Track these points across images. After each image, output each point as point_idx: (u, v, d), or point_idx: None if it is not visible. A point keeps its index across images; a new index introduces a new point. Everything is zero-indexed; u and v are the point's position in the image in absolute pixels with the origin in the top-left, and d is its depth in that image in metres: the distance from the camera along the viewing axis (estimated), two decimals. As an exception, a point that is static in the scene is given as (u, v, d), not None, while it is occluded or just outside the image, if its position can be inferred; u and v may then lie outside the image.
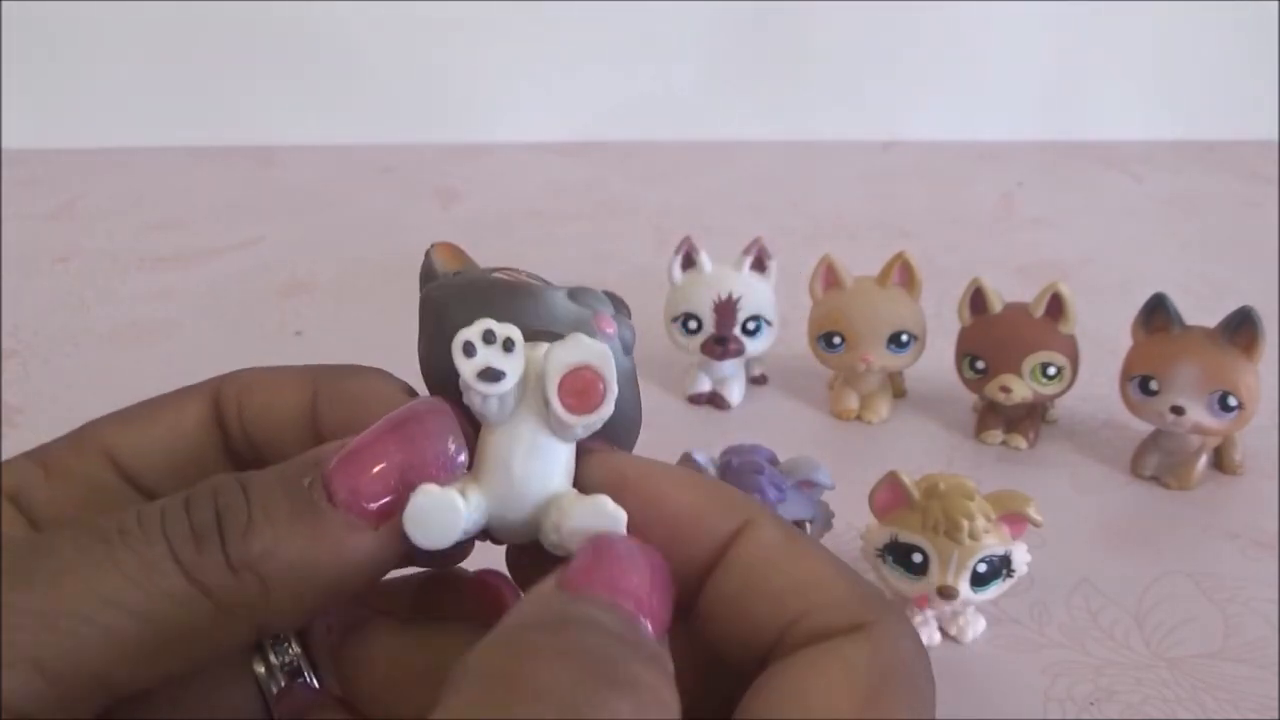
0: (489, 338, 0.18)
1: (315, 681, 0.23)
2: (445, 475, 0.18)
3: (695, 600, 0.18)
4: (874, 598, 0.17)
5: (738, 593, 0.18)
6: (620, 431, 0.20)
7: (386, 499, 0.18)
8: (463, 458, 0.19)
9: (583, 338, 0.18)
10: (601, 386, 0.18)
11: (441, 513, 0.18)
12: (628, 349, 0.20)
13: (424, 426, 0.18)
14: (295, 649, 0.23)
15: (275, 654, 0.23)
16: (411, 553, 0.18)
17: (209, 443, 0.21)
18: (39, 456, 0.20)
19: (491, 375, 0.18)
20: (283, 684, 0.22)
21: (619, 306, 0.21)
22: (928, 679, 0.17)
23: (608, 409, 0.18)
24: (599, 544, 0.17)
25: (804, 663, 0.16)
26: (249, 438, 0.21)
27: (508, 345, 0.18)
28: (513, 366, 0.18)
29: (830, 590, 0.17)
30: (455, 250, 0.22)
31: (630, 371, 0.20)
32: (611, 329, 0.20)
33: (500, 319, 0.18)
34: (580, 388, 0.18)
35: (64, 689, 0.16)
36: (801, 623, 0.17)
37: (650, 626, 0.16)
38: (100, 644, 0.16)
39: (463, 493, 0.18)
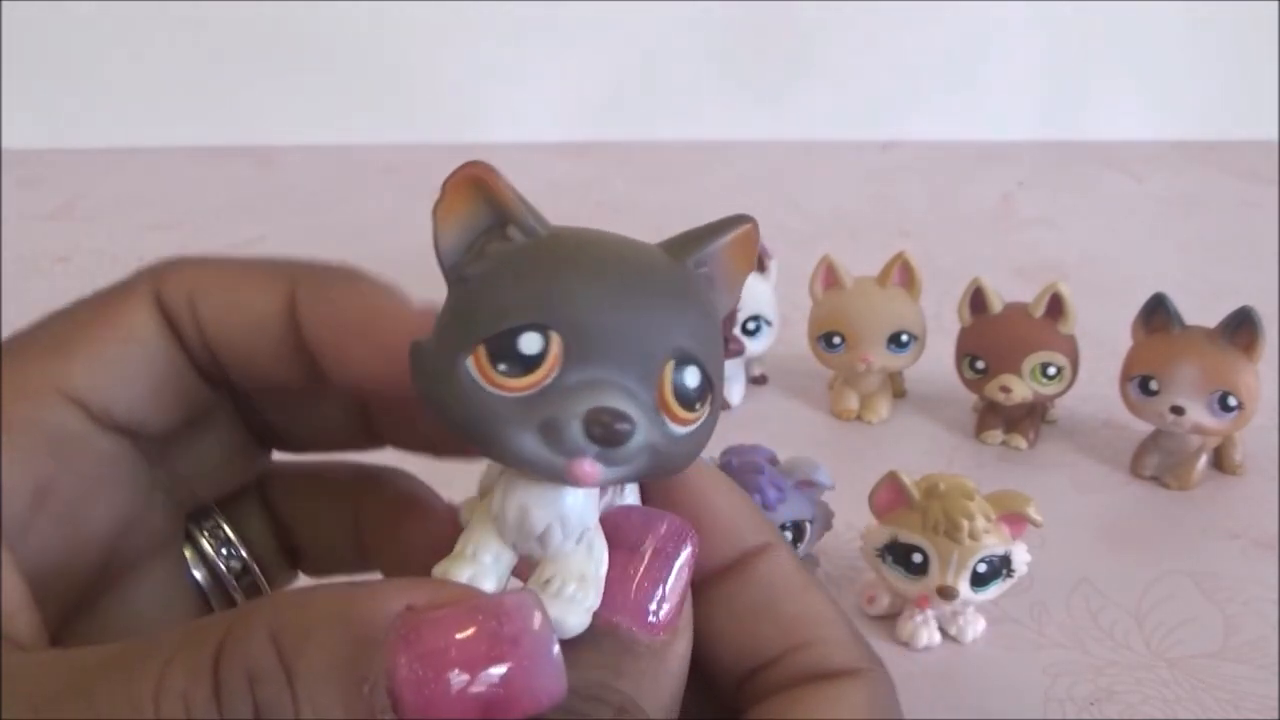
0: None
1: (245, 553, 0.22)
2: (551, 696, 0.14)
3: (700, 599, 0.19)
4: (867, 647, 0.19)
5: (751, 606, 0.19)
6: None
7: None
8: (562, 664, 0.14)
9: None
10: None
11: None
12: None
13: (522, 645, 0.14)
14: (226, 530, 0.22)
15: (205, 533, 0.22)
16: None
17: (172, 354, 0.19)
18: None
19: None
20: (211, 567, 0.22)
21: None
22: None
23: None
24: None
25: (816, 697, 0.18)
26: (209, 347, 0.19)
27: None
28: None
29: (834, 630, 0.19)
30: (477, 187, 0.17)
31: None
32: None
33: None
34: None
35: None
36: (804, 651, 0.18)
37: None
38: None
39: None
